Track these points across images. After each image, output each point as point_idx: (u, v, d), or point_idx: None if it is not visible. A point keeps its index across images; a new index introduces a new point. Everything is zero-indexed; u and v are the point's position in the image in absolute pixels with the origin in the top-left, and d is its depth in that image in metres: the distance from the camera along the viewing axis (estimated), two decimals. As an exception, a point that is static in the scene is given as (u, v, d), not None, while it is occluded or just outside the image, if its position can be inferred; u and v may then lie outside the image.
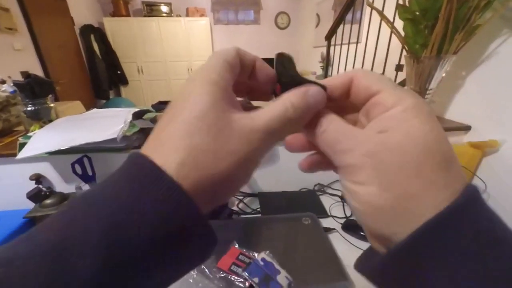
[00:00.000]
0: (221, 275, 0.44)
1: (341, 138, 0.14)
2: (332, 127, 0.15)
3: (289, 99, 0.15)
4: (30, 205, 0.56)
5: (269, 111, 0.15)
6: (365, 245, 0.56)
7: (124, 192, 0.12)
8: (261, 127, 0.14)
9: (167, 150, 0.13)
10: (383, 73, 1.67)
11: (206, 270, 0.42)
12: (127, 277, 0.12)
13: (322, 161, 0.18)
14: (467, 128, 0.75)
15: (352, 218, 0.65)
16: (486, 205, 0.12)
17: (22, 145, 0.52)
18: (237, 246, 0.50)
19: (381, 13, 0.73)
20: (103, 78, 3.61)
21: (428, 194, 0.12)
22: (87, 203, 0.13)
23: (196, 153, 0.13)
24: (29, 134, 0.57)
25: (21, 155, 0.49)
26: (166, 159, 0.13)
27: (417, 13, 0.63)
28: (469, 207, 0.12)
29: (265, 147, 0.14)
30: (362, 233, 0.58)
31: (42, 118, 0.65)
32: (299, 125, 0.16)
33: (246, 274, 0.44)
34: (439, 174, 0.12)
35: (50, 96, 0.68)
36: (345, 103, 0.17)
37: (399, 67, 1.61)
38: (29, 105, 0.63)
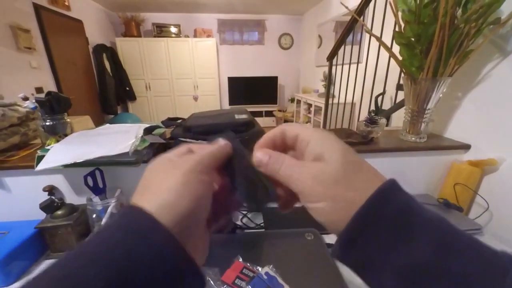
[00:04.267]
0: (225, 288, 0.44)
1: (291, 172, 0.20)
2: (285, 164, 0.20)
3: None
4: (42, 215, 0.58)
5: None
6: (368, 262, 0.56)
7: (123, 240, 0.15)
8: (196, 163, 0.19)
9: (157, 205, 0.16)
10: (384, 91, 1.72)
11: (211, 282, 0.43)
12: None
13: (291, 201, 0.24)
14: (466, 147, 0.77)
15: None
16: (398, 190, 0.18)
17: (40, 157, 0.55)
18: (241, 260, 0.51)
19: (378, 39, 0.77)
20: (111, 94, 3.74)
21: (357, 196, 0.17)
22: (86, 251, 0.14)
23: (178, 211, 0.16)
24: (47, 147, 0.60)
25: (40, 167, 0.52)
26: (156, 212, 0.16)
27: (412, 39, 0.68)
28: (387, 191, 0.18)
29: (202, 182, 0.18)
30: (365, 250, 0.58)
31: (58, 132, 0.69)
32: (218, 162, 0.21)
33: (250, 287, 0.45)
34: (359, 177, 0.18)
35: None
36: (287, 148, 0.23)
37: (399, 87, 1.65)
38: (48, 120, 0.67)
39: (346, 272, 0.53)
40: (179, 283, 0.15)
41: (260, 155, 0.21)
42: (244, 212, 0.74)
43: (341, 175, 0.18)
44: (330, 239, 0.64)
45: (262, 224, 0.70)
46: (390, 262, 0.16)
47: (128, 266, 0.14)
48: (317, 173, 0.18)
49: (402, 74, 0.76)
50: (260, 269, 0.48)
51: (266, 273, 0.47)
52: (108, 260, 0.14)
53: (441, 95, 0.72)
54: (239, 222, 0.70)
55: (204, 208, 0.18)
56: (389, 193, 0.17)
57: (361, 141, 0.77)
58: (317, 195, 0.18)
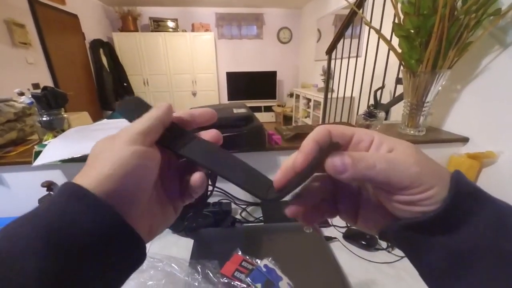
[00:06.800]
0: (225, 281, 0.45)
1: (391, 164, 0.17)
2: (380, 157, 0.18)
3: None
4: (41, 211, 0.58)
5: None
6: (365, 254, 0.57)
7: (57, 206, 0.15)
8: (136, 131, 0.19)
9: (91, 179, 0.17)
10: (383, 85, 1.71)
11: (211, 275, 0.44)
12: (71, 270, 0.14)
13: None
14: (465, 140, 0.77)
15: (353, 227, 0.66)
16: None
17: (38, 153, 0.55)
18: (240, 253, 0.51)
19: (378, 31, 0.77)
20: (109, 90, 3.71)
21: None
22: (24, 218, 0.15)
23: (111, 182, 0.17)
24: (44, 143, 0.59)
25: (37, 162, 0.52)
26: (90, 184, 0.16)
27: (411, 31, 0.67)
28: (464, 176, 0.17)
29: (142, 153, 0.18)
30: (363, 242, 0.59)
31: (55, 128, 0.68)
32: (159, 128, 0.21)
33: (249, 280, 0.45)
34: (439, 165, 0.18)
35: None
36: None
37: (398, 80, 1.64)
38: (45, 116, 0.67)
39: (345, 264, 0.53)
40: (113, 246, 0.16)
41: (340, 159, 0.17)
42: (243, 206, 0.75)
43: (429, 159, 0.18)
44: (329, 232, 0.64)
45: (261, 218, 0.70)
46: (445, 245, 0.16)
47: (63, 226, 0.14)
48: (416, 159, 0.17)
49: (402, 67, 0.76)
50: (259, 261, 0.49)
51: (265, 266, 0.48)
52: (43, 220, 0.15)
53: (440, 88, 0.71)
54: (238, 216, 0.71)
55: (141, 181, 0.18)
56: (460, 179, 0.17)
57: (360, 134, 0.77)
58: (428, 180, 0.16)
